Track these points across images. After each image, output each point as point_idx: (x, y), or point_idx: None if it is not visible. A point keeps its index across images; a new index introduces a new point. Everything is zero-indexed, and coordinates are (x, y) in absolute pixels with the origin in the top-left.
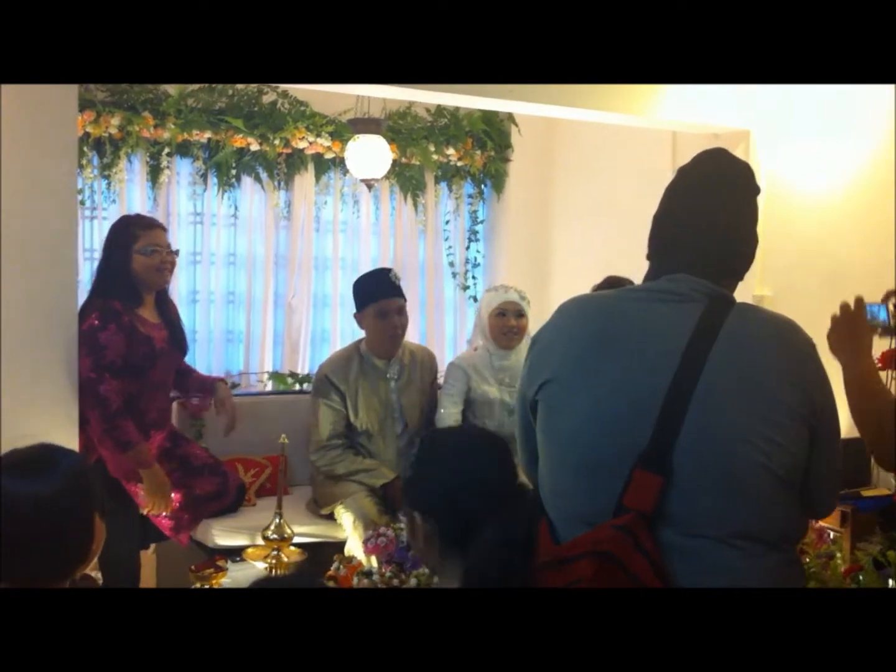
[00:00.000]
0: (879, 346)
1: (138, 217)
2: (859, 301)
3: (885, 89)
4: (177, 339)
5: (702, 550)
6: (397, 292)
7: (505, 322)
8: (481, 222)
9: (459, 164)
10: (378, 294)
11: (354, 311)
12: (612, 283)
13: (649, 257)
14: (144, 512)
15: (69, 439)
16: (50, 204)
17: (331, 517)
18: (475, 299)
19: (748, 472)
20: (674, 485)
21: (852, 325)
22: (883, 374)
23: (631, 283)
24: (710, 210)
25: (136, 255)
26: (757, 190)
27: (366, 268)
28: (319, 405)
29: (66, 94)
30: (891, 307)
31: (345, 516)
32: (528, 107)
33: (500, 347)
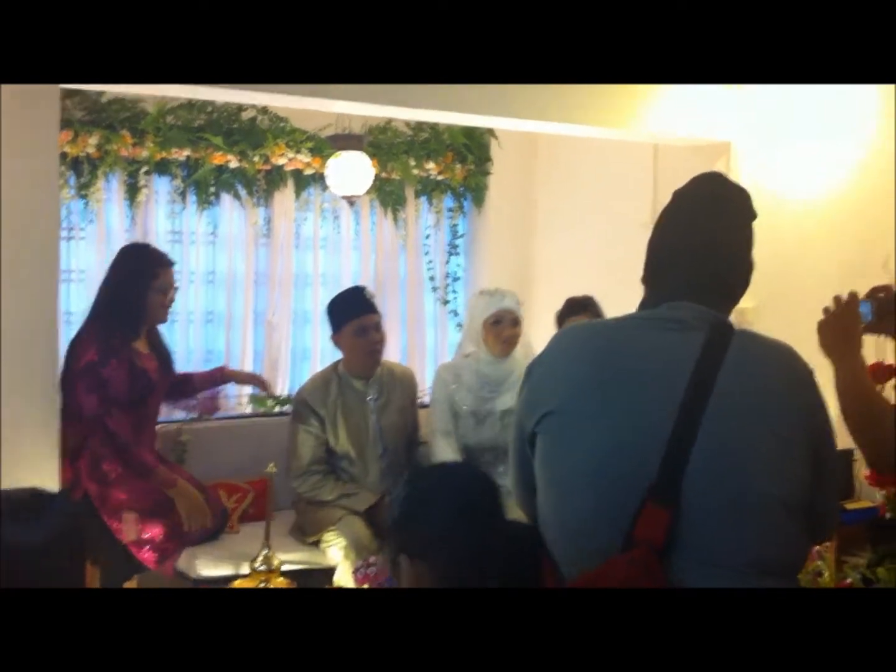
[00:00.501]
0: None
1: (157, 253)
2: (853, 296)
3: (867, 94)
4: (167, 367)
5: (717, 581)
6: (373, 308)
7: (501, 331)
8: (462, 236)
9: (440, 177)
10: (353, 312)
11: (331, 333)
12: (574, 305)
13: (645, 281)
14: (185, 528)
15: (50, 471)
16: (32, 227)
17: (316, 543)
18: (455, 313)
19: (758, 501)
20: (685, 516)
21: (845, 320)
22: None
23: (592, 300)
24: (708, 236)
25: (151, 293)
26: (753, 215)
27: (347, 283)
28: (299, 431)
29: (47, 114)
30: (874, 304)
31: (336, 542)
32: (510, 122)
33: (494, 356)
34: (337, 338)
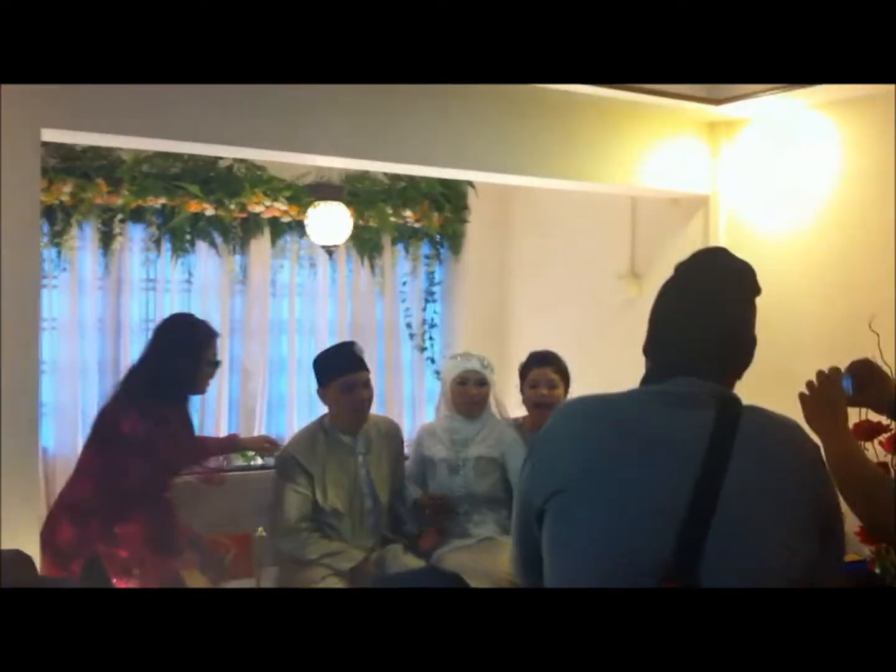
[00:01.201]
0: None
1: (205, 323)
2: (835, 371)
3: (827, 128)
4: (192, 431)
5: None
6: (362, 365)
7: (466, 391)
8: (438, 283)
9: (417, 225)
10: (343, 368)
11: (317, 386)
12: (537, 358)
13: (648, 353)
14: None
15: (28, 527)
16: (13, 276)
17: None
18: (432, 360)
19: (771, 581)
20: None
21: (829, 395)
22: None
23: (555, 355)
24: (714, 311)
25: (203, 365)
26: (758, 290)
27: (323, 331)
28: (286, 489)
29: (28, 163)
30: (855, 378)
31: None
32: (487, 176)
33: (461, 415)
34: (323, 392)
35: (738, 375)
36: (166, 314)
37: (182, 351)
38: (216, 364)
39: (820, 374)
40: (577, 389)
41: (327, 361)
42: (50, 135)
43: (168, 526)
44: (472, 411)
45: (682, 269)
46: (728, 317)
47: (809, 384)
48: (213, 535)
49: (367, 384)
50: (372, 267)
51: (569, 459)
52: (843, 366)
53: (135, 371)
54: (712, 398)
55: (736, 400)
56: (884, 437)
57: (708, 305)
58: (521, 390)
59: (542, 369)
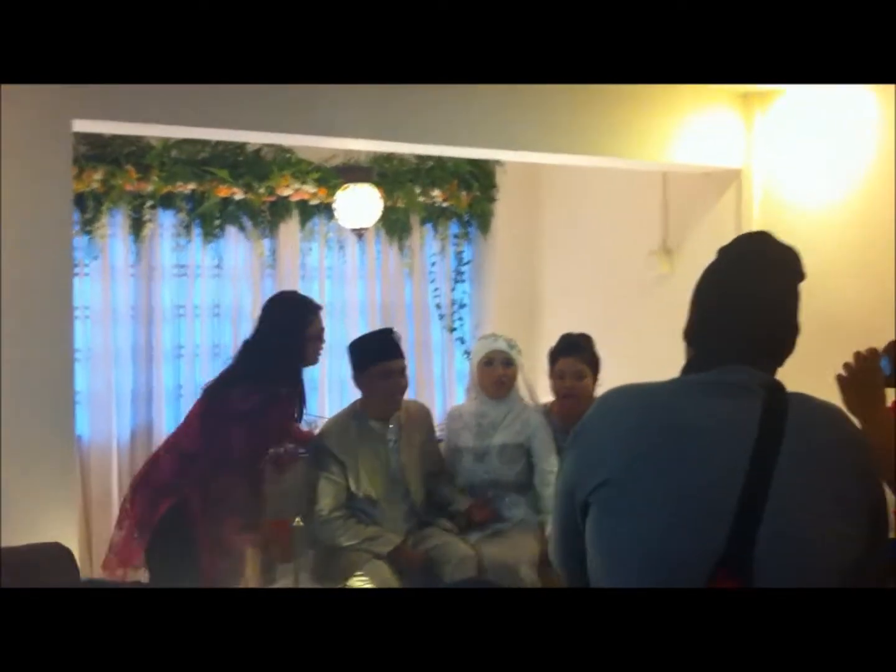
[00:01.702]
0: None
1: (308, 299)
2: (873, 351)
3: (869, 104)
4: (301, 411)
5: None
6: (399, 353)
7: (492, 371)
8: (467, 263)
9: (445, 205)
10: (381, 355)
11: (353, 372)
12: (570, 342)
13: (690, 340)
14: None
15: (66, 517)
16: (45, 264)
17: None
18: (462, 340)
19: (825, 568)
20: (754, 586)
21: (867, 377)
22: None
23: (589, 339)
24: (760, 297)
25: (307, 340)
26: (803, 275)
27: (353, 313)
28: (320, 478)
29: (60, 152)
30: (892, 358)
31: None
32: (516, 155)
33: (489, 397)
34: (359, 378)
35: (781, 363)
36: (197, 300)
37: (285, 327)
38: (321, 337)
39: (857, 355)
40: (610, 367)
41: (364, 347)
42: (81, 125)
43: (255, 497)
44: (499, 392)
45: (725, 253)
46: (774, 304)
47: (847, 366)
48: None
49: (402, 372)
50: (401, 248)
51: (616, 451)
52: (880, 346)
53: (244, 349)
54: (760, 387)
55: (782, 388)
56: None
57: (754, 292)
58: (550, 376)
59: (569, 359)
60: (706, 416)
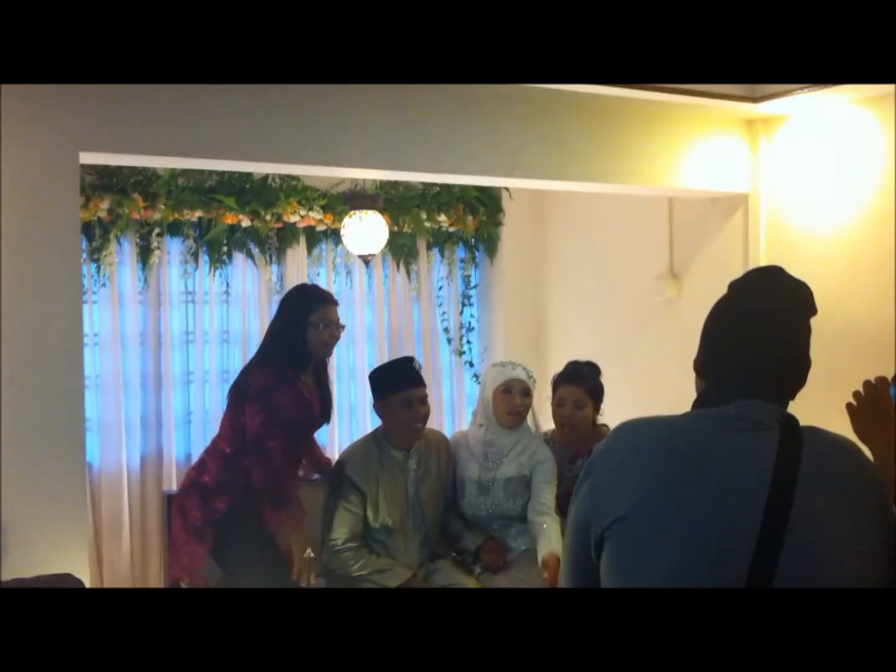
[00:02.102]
0: None
1: (315, 288)
2: (882, 380)
3: (877, 135)
4: (326, 409)
5: None
6: (420, 381)
7: (510, 400)
8: (474, 287)
9: (451, 229)
10: (403, 383)
11: (374, 400)
12: (570, 375)
13: (701, 373)
14: (293, 576)
15: (76, 546)
16: (55, 296)
17: None
18: (471, 364)
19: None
20: None
21: (878, 406)
22: None
23: (594, 367)
24: (774, 333)
25: (310, 328)
26: (815, 310)
27: (361, 338)
28: (338, 507)
29: (67, 184)
30: None
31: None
32: (523, 182)
33: (501, 426)
34: (380, 406)
35: (793, 397)
36: (206, 326)
37: (289, 316)
38: (329, 326)
39: (867, 383)
40: (617, 390)
41: (386, 376)
42: (88, 157)
43: (270, 476)
44: (514, 422)
45: (737, 287)
46: (786, 337)
47: (857, 394)
48: None
49: (423, 400)
50: (408, 272)
51: (632, 484)
52: (889, 372)
53: (262, 340)
54: (774, 420)
55: (796, 421)
56: None
57: (767, 326)
58: (552, 403)
59: (571, 387)
60: (723, 451)
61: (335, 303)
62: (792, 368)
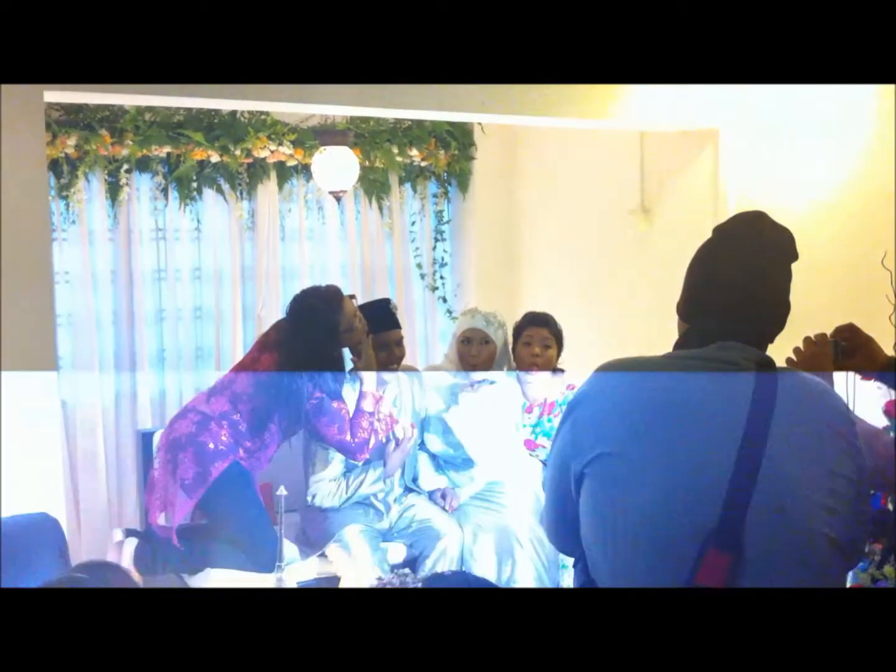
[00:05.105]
0: None
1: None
2: (823, 336)
3: (864, 94)
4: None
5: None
6: (396, 324)
7: (468, 350)
8: (447, 222)
9: (423, 164)
10: (378, 326)
11: None
12: (533, 319)
13: (683, 315)
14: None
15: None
16: (24, 230)
17: (322, 555)
18: (444, 300)
19: (815, 543)
20: (745, 561)
21: (818, 361)
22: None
23: (552, 319)
24: (756, 276)
25: (337, 339)
26: (796, 256)
27: (335, 274)
28: (316, 449)
29: (33, 118)
30: (840, 343)
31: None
32: (492, 118)
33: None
34: None
35: (772, 340)
36: (177, 264)
37: (315, 333)
38: (351, 327)
39: (807, 339)
40: (591, 326)
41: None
42: (52, 96)
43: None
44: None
45: (721, 232)
46: (768, 283)
47: (797, 350)
48: None
49: (399, 343)
50: (380, 208)
51: (613, 422)
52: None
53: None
54: (752, 362)
55: (773, 364)
56: None
57: (750, 271)
58: (513, 349)
59: (538, 328)
60: (701, 393)
61: (352, 296)
62: (773, 313)
